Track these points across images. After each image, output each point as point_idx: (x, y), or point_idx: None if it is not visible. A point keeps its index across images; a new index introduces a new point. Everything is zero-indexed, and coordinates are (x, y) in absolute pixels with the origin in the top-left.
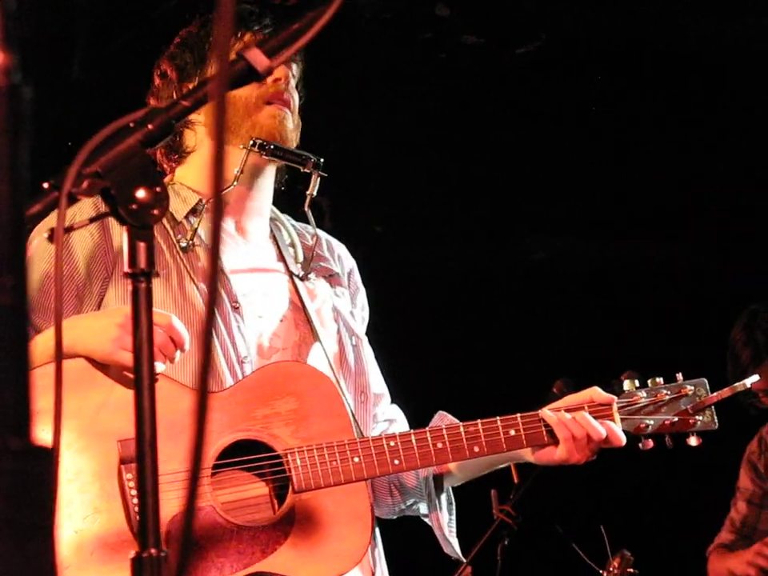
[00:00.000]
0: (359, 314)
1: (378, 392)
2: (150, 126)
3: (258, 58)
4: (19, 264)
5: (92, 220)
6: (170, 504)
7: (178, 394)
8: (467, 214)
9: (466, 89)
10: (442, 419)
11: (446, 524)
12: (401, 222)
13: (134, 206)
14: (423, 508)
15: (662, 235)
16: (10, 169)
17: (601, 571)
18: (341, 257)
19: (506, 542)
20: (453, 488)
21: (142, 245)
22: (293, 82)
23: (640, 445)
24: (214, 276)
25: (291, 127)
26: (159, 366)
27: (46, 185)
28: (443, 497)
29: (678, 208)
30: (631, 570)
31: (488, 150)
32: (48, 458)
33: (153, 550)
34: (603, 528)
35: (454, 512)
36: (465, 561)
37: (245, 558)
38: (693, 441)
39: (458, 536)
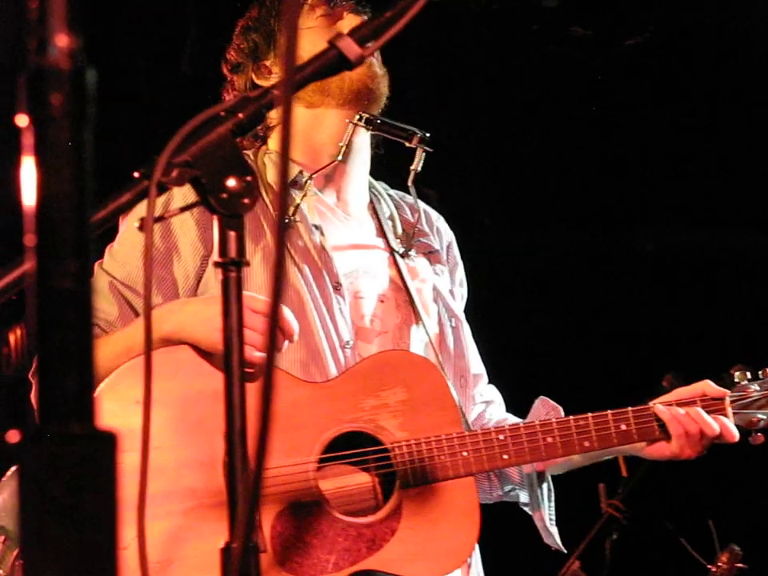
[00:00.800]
0: (458, 291)
1: (477, 372)
2: (240, 115)
3: (350, 46)
4: (83, 249)
5: (183, 209)
6: (274, 500)
7: (284, 384)
8: (575, 202)
9: (574, 81)
10: (544, 404)
11: (546, 514)
12: (508, 212)
13: (224, 195)
14: (523, 497)
15: None
16: (73, 152)
17: (709, 566)
18: (440, 230)
19: (615, 537)
20: (559, 479)
21: (232, 234)
22: None
23: (750, 439)
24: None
25: (381, 73)
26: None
27: (136, 174)
28: (545, 486)
29: None
30: (740, 565)
31: (598, 139)
32: (112, 444)
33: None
34: (712, 522)
35: (553, 500)
36: (565, 551)
37: (352, 554)
38: None
39: (566, 531)
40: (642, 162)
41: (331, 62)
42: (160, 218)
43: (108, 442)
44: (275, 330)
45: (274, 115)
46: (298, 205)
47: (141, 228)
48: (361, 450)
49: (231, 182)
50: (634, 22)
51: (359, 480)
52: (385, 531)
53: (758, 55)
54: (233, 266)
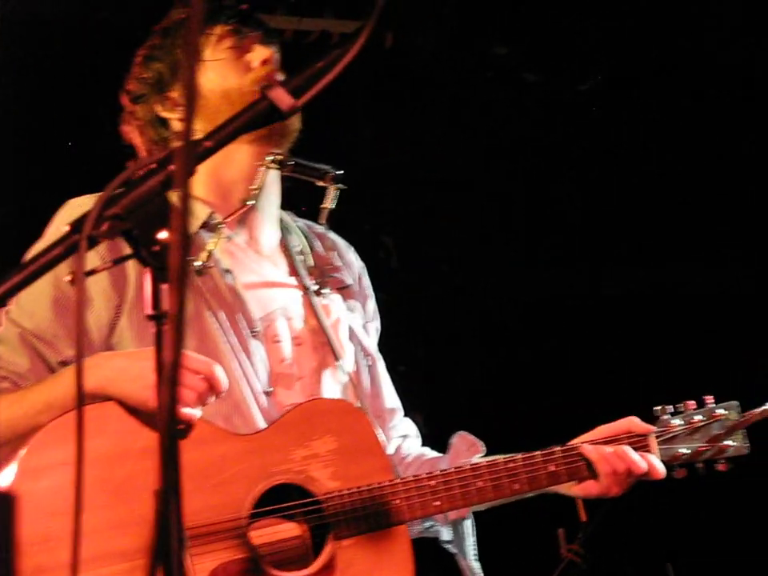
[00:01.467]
0: (372, 325)
1: (392, 407)
2: (171, 168)
3: (282, 97)
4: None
5: (115, 262)
6: (208, 557)
7: (213, 437)
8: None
9: (526, 125)
10: (464, 440)
11: (469, 550)
12: (463, 255)
13: (156, 248)
14: (445, 534)
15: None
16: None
17: None
18: (350, 262)
19: None
20: (519, 526)
21: (164, 286)
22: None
23: (674, 473)
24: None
25: None
26: (197, 412)
27: (66, 227)
28: (467, 523)
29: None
30: None
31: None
32: (7, 504)
33: None
34: (670, 566)
35: (475, 536)
36: None
37: None
38: (721, 467)
39: None
40: (602, 205)
41: (263, 113)
42: (91, 272)
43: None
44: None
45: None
46: (211, 250)
47: (72, 282)
48: (293, 503)
49: (163, 235)
50: (586, 66)
51: (292, 533)
52: None
53: (709, 98)
54: (166, 319)
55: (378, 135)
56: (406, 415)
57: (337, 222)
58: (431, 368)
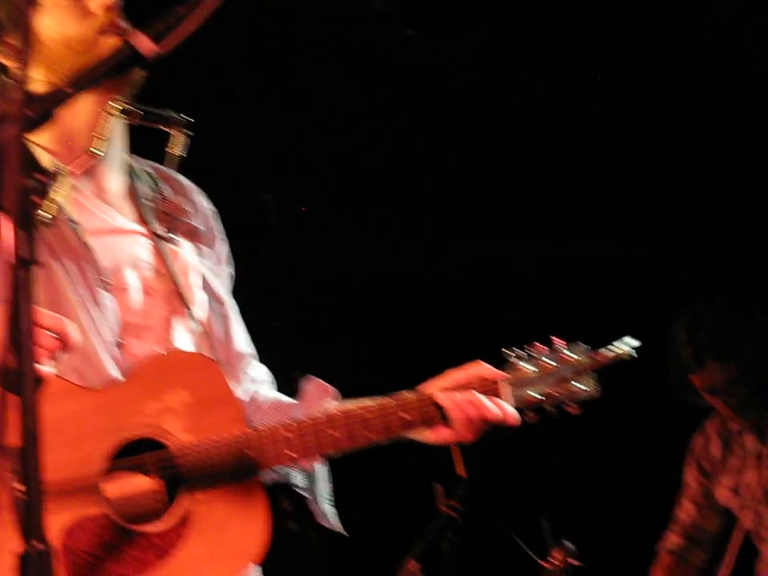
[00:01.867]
0: (224, 269)
1: (245, 352)
2: (29, 113)
3: (144, 43)
4: None
5: None
6: (62, 514)
7: (64, 393)
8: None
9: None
10: (316, 386)
11: (323, 495)
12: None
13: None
14: (299, 480)
15: (590, 233)
16: None
17: (542, 563)
18: (201, 206)
19: (452, 536)
20: (397, 482)
21: (22, 233)
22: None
23: (525, 418)
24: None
25: None
26: (49, 369)
27: None
28: (321, 469)
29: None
30: (573, 562)
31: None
32: None
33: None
34: (544, 520)
35: (328, 482)
36: (346, 534)
37: (142, 564)
38: (573, 410)
39: (403, 532)
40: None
41: (125, 59)
42: None
43: None
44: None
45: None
46: (57, 200)
47: None
48: (146, 456)
49: (24, 180)
50: (465, 22)
51: (147, 488)
52: (174, 538)
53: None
54: (24, 266)
55: (258, 92)
56: (285, 372)
57: (215, 177)
58: (308, 324)
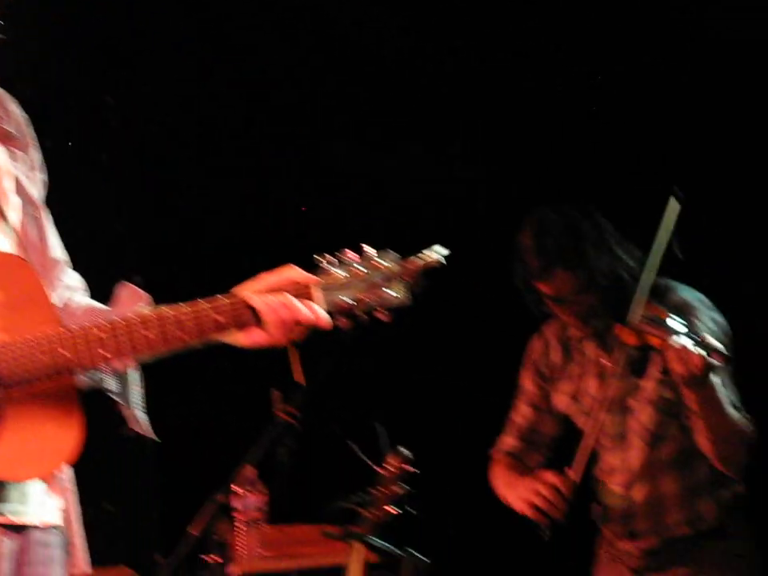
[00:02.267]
0: (38, 176)
1: (58, 258)
2: None
3: None
4: None
5: None
6: None
7: None
8: None
9: None
10: (129, 291)
11: (135, 401)
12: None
13: None
14: (112, 385)
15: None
16: None
17: (378, 469)
18: (12, 111)
19: (289, 442)
20: (234, 390)
21: None
22: None
23: (336, 322)
24: None
25: None
26: None
27: None
28: (134, 374)
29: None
30: (408, 468)
31: None
32: None
33: None
34: (379, 426)
35: (141, 387)
36: (158, 439)
37: None
38: (383, 316)
39: (239, 438)
40: None
41: None
42: None
43: None
44: None
45: None
46: None
47: None
48: None
49: None
50: None
51: None
52: None
53: None
54: None
55: None
56: (115, 282)
57: (51, 83)
58: (148, 230)
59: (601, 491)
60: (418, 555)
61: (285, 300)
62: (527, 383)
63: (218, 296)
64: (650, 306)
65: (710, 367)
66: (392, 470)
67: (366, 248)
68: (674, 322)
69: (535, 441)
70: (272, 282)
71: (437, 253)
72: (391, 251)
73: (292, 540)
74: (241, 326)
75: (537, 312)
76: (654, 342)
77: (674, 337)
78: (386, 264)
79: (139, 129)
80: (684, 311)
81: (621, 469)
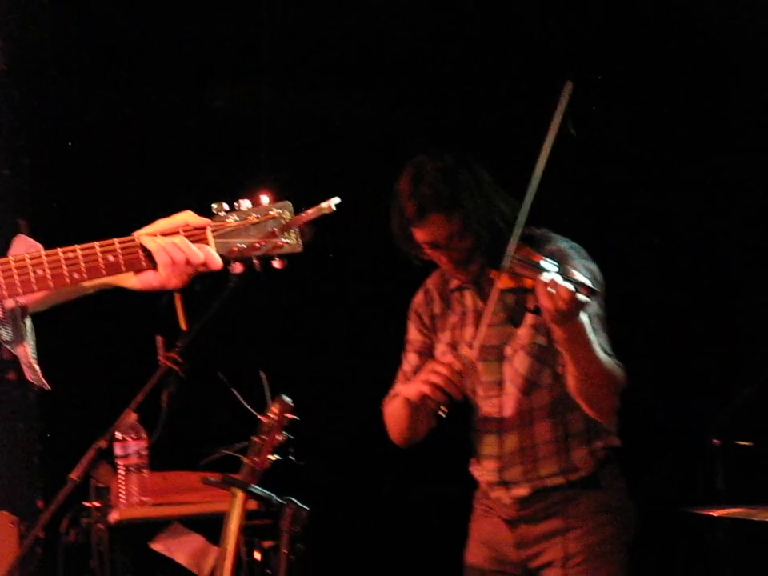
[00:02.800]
0: None
1: None
2: None
3: None
4: None
5: None
6: None
7: None
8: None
9: None
10: (23, 242)
11: (30, 351)
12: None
13: None
14: (5, 334)
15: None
16: None
17: (260, 417)
18: None
19: (172, 389)
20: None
21: None
22: None
23: (230, 268)
24: None
25: None
26: None
27: None
28: (28, 321)
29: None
30: (290, 416)
31: None
32: None
33: None
34: (263, 374)
35: (34, 338)
36: (48, 387)
37: None
38: (277, 264)
39: (123, 383)
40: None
41: None
42: None
43: None
44: None
45: None
46: None
47: None
48: None
49: None
50: None
51: None
52: None
53: None
54: None
55: None
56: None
57: None
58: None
59: (475, 439)
60: (299, 503)
61: (177, 241)
62: (412, 333)
63: (114, 238)
64: (524, 249)
65: (577, 302)
66: (274, 418)
67: (262, 196)
68: (547, 263)
69: None
70: (166, 225)
71: (328, 202)
72: (287, 202)
73: (173, 487)
74: (133, 266)
75: (415, 261)
76: (527, 283)
77: (544, 273)
78: (278, 212)
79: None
80: (558, 258)
81: (495, 416)
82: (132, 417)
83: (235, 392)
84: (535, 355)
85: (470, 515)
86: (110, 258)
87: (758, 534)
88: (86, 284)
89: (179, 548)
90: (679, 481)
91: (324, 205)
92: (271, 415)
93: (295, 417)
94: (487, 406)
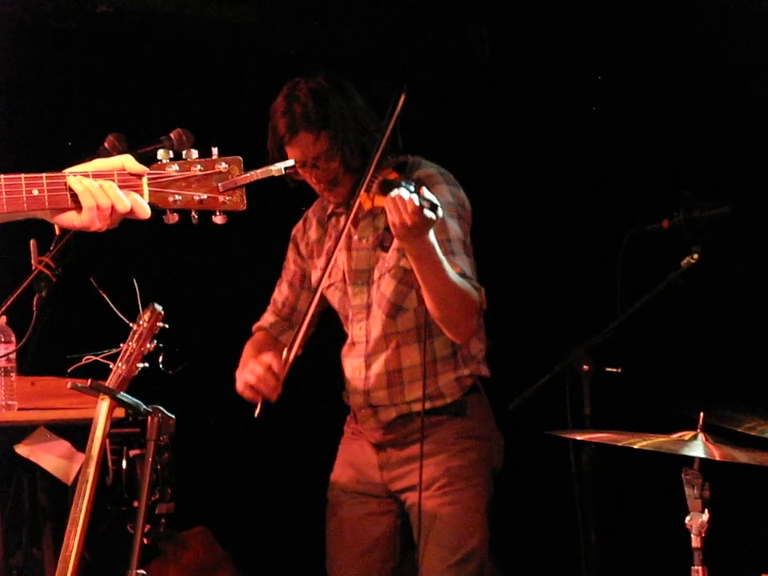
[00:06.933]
0: None
1: None
2: None
3: None
4: None
5: None
6: None
7: None
8: None
9: None
10: None
11: None
12: None
13: None
14: None
15: None
16: None
17: (131, 324)
18: None
19: (44, 294)
20: None
21: None
22: None
23: (165, 218)
24: None
25: None
26: None
27: None
28: None
29: None
30: (160, 325)
31: None
32: None
33: None
34: (135, 281)
35: None
36: None
37: None
38: (218, 219)
39: None
40: None
41: None
42: None
43: None
44: None
45: None
46: None
47: None
48: None
49: None
50: None
51: None
52: None
53: None
54: None
55: None
56: None
57: None
58: None
59: (345, 363)
60: (166, 412)
61: (105, 186)
62: (288, 260)
63: (42, 173)
64: (384, 171)
65: (423, 217)
66: (145, 325)
67: (213, 150)
68: (405, 184)
69: (292, 318)
70: (102, 167)
71: (279, 166)
72: (238, 158)
73: (41, 392)
74: (57, 203)
75: (290, 183)
76: (382, 203)
77: (394, 190)
78: (225, 167)
79: None
80: (424, 182)
81: (362, 340)
82: (1, 320)
83: (106, 298)
84: (400, 278)
85: (340, 438)
86: (35, 192)
87: (621, 460)
88: (7, 215)
89: (45, 453)
90: (548, 406)
91: (273, 168)
92: (142, 322)
93: (165, 325)
94: (356, 330)
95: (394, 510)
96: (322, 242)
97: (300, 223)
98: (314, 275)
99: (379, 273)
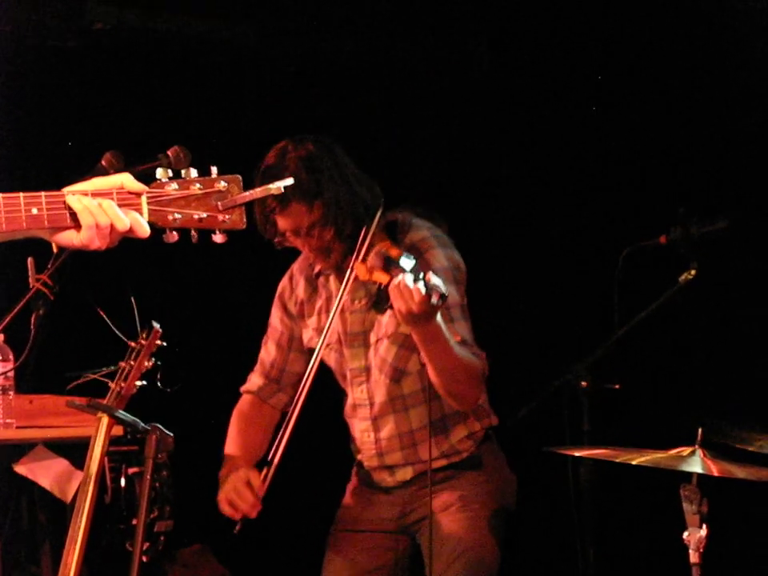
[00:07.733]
0: None
1: None
2: None
3: None
4: None
5: None
6: None
7: None
8: None
9: None
10: None
11: None
12: None
13: None
14: None
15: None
16: None
17: (130, 342)
18: None
19: (42, 312)
20: None
21: None
22: None
23: (164, 237)
24: None
25: None
26: None
27: None
28: None
29: None
30: (159, 343)
31: None
32: None
33: None
34: (133, 299)
35: None
36: None
37: None
38: (218, 238)
39: None
40: None
41: None
42: None
43: None
44: None
45: None
46: None
47: None
48: None
49: None
50: None
51: None
52: None
53: None
54: None
55: None
56: None
57: None
58: None
59: (351, 424)
60: (164, 430)
61: (105, 205)
62: (274, 319)
63: (41, 192)
64: (384, 242)
65: (430, 306)
66: (143, 343)
67: (213, 169)
68: (405, 260)
69: (282, 380)
70: (101, 185)
71: (279, 184)
72: (237, 176)
73: (39, 410)
74: (56, 222)
75: (278, 246)
76: (381, 279)
77: (398, 276)
78: (225, 185)
79: None
80: (420, 247)
81: (365, 403)
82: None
83: (104, 316)
84: (401, 343)
85: (342, 456)
86: (33, 211)
87: (619, 475)
88: (7, 234)
89: (43, 471)
90: (546, 422)
91: (272, 186)
92: (140, 341)
93: (164, 343)
94: (358, 393)
95: (401, 548)
96: (313, 301)
97: (286, 281)
98: (305, 335)
99: (376, 337)
